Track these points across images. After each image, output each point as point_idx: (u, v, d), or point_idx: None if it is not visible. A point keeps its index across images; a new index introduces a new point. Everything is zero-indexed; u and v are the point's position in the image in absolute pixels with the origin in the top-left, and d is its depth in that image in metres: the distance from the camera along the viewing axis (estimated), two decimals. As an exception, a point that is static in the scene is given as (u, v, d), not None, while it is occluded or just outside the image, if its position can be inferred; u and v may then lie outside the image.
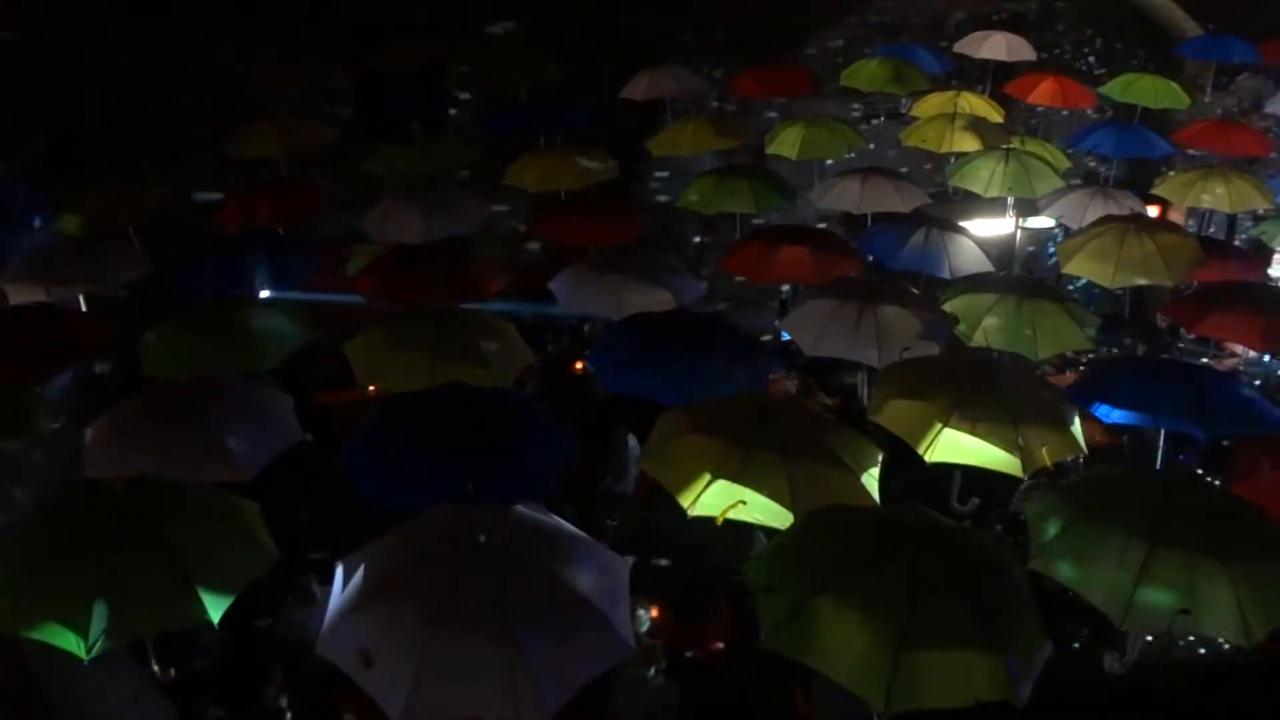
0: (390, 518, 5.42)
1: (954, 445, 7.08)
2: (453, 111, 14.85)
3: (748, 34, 15.11)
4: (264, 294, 9.97)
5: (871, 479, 6.59)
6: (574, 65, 14.75)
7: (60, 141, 12.17)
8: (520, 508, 5.37)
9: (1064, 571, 5.72)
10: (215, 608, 5.35)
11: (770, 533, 6.39)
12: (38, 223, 11.23)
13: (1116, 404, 7.97)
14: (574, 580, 4.85)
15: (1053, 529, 5.92)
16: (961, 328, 9.12)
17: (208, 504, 6.00)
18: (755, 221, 12.47)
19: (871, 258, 11.19)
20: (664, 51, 15.05)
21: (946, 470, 7.67)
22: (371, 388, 8.66)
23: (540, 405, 7.19)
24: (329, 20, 14.02)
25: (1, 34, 12.10)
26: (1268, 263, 13.78)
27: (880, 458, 6.77)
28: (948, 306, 9.29)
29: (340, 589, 4.85)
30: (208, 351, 8.05)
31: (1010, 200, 13.37)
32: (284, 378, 8.80)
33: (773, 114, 15.10)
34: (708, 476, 6.43)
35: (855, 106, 16.24)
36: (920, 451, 7.11)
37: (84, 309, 9.94)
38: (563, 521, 5.47)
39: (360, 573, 4.80)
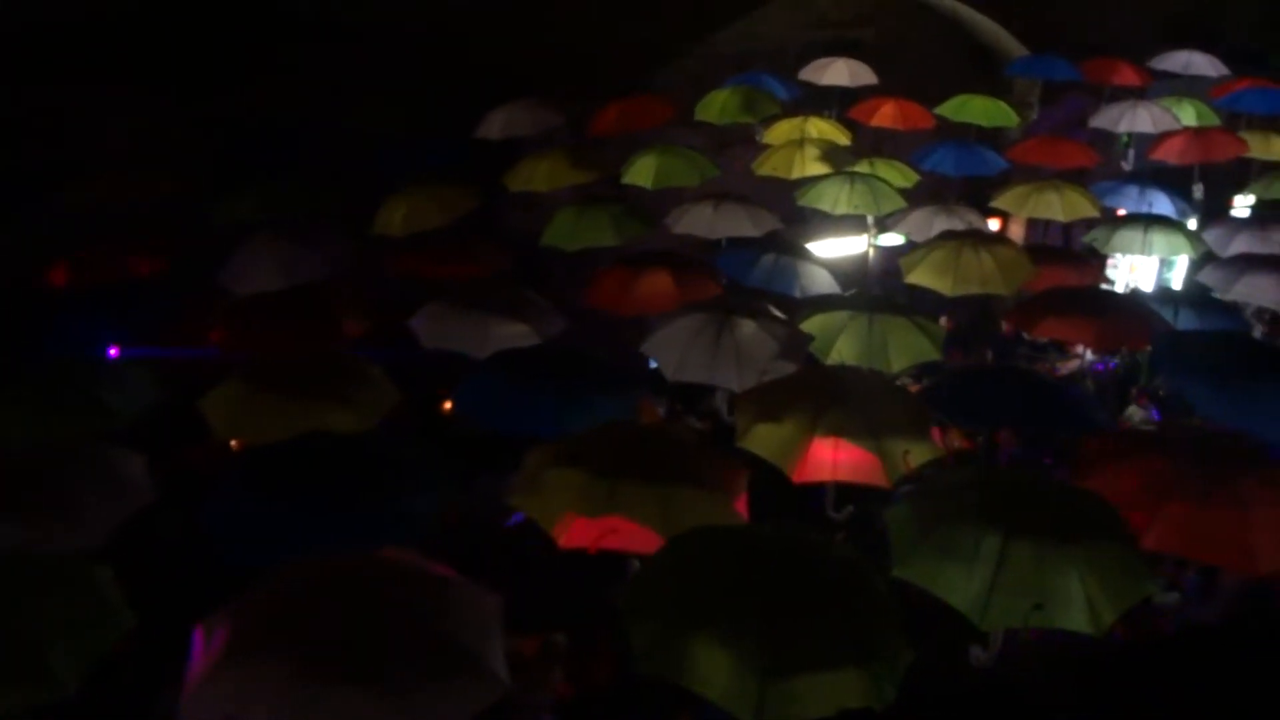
0: (253, 575, 5.28)
1: (819, 463, 7.29)
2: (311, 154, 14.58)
3: (599, 69, 15.28)
4: (112, 351, 9.63)
5: (740, 500, 6.72)
6: (431, 103, 14.68)
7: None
8: (389, 551, 5.32)
9: (923, 575, 5.93)
10: (70, 679, 5.13)
11: (645, 559, 6.45)
12: None
13: (964, 410, 8.38)
14: (445, 622, 4.81)
15: (911, 534, 6.13)
16: (817, 345, 9.41)
17: (55, 572, 5.75)
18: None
19: (726, 279, 11.47)
20: (518, 87, 15.10)
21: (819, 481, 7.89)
22: (234, 442, 8.43)
23: (406, 447, 7.10)
24: (178, 64, 13.65)
25: None
26: (1102, 267, 14.67)
27: (747, 477, 6.90)
28: (803, 326, 9.58)
29: (201, 652, 4.69)
30: (51, 415, 7.72)
31: (870, 219, 13.89)
32: (138, 437, 8.47)
33: (629, 145, 15.26)
34: (578, 508, 6.46)
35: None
36: (787, 472, 7.29)
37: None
38: (432, 562, 5.42)
39: (221, 633, 4.65)
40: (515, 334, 9.18)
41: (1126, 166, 17.53)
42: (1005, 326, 12.71)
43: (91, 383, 8.13)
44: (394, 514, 6.53)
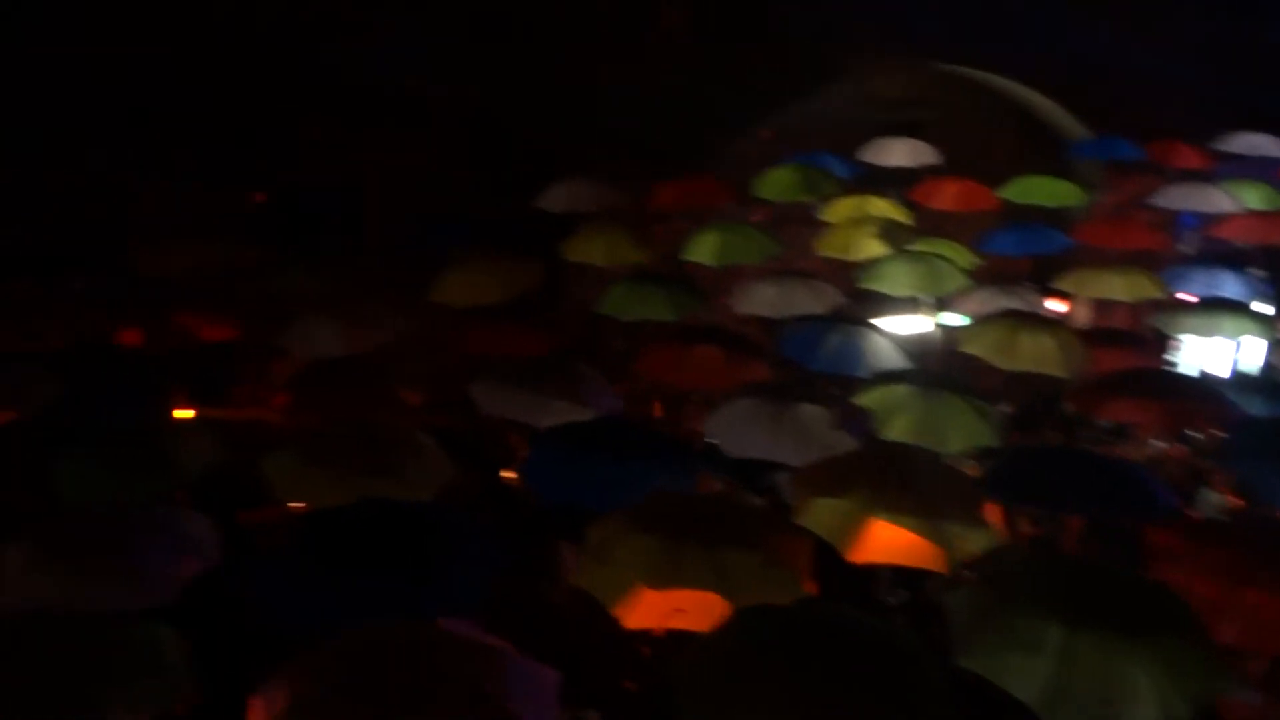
0: (309, 641, 5.28)
1: (875, 545, 7.17)
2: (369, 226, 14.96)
3: (657, 146, 15.54)
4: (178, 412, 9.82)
5: (805, 571, 6.62)
6: (490, 175, 15.03)
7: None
8: (445, 623, 5.30)
9: (986, 666, 5.76)
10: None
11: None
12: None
13: (1027, 493, 8.22)
14: (501, 696, 4.77)
15: (971, 621, 5.98)
16: (873, 423, 9.33)
17: (118, 631, 5.82)
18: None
19: (789, 359, 11.41)
20: (578, 162, 15.37)
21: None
22: (293, 505, 8.50)
23: (465, 517, 7.10)
24: (241, 134, 14.17)
25: None
26: (1165, 349, 14.43)
27: (811, 550, 6.80)
28: (861, 400, 9.51)
29: None
30: (120, 473, 7.91)
31: (925, 299, 13.83)
32: (201, 498, 8.60)
33: (687, 223, 15.43)
34: (641, 586, 6.39)
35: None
36: (843, 553, 7.18)
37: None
38: (489, 636, 5.39)
39: (278, 702, 4.65)
40: (572, 408, 9.23)
41: (1186, 250, 17.32)
42: (1068, 408, 12.49)
43: (159, 442, 8.32)
44: (448, 584, 6.50)
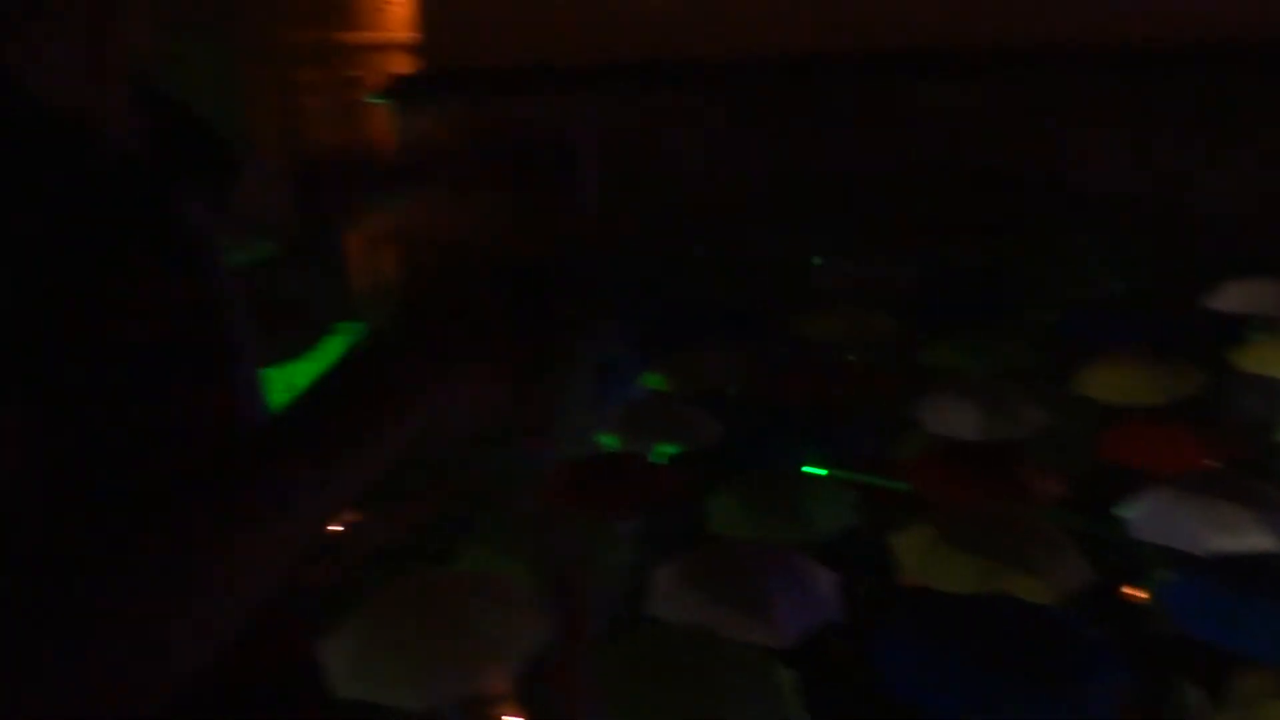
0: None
1: None
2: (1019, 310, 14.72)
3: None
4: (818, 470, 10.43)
5: None
6: (1147, 271, 14.07)
7: (660, 311, 14.05)
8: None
9: None
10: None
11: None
12: (634, 380, 12.82)
13: None
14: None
15: None
16: None
17: (743, 663, 6.34)
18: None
19: None
20: (1252, 261, 13.74)
21: None
22: (913, 583, 8.61)
23: (1097, 633, 6.65)
24: (913, 219, 14.89)
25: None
26: None
27: None
28: None
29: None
30: (765, 520, 8.65)
31: None
32: (828, 555, 9.08)
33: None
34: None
35: None
36: None
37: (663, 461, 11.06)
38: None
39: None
40: (1242, 536, 8.19)
41: None
42: None
43: (804, 496, 8.95)
44: (1066, 701, 6.15)
